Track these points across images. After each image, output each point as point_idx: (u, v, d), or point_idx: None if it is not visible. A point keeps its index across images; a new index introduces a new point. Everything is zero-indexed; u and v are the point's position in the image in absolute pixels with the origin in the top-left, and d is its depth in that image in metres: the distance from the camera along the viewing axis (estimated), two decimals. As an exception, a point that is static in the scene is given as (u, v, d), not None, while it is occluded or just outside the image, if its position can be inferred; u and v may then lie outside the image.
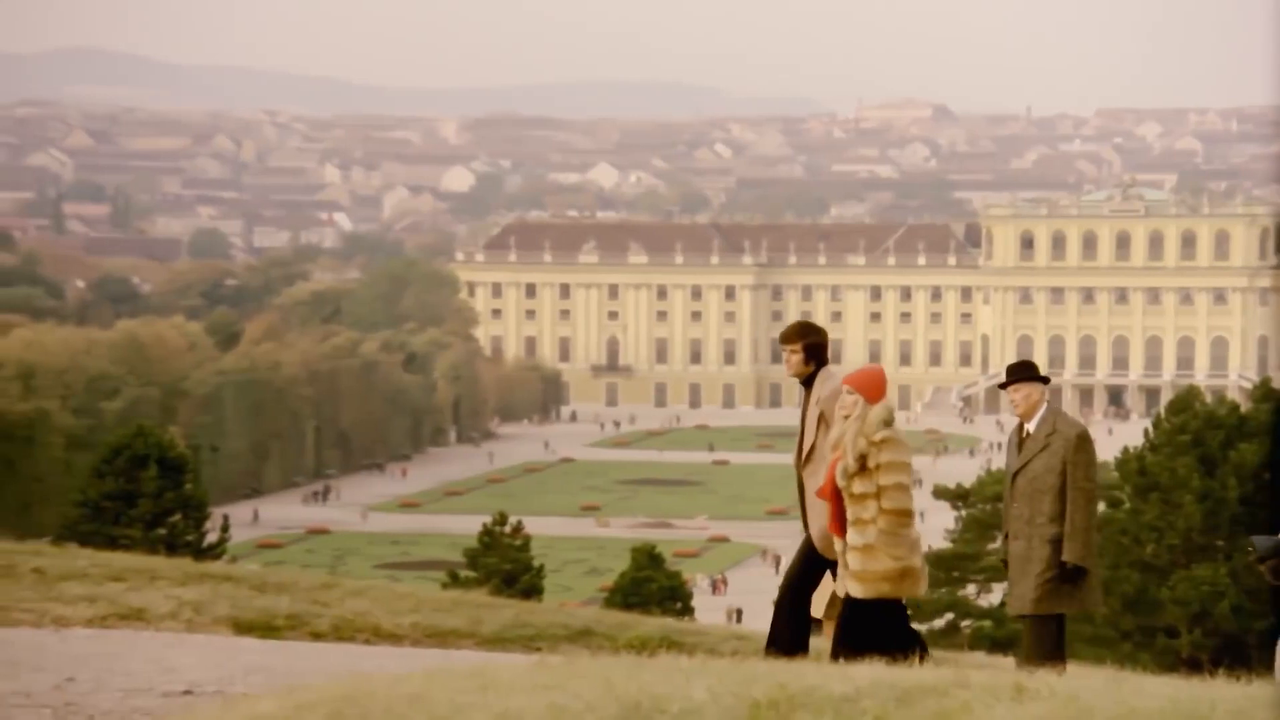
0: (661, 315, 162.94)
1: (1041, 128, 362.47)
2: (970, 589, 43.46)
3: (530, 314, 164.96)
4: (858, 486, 9.30)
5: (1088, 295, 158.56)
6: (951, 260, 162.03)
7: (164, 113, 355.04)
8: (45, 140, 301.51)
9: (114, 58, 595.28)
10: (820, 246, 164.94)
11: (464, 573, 41.08)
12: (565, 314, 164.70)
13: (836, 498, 9.41)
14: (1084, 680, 7.46)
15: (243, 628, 10.95)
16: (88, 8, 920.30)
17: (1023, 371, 10.21)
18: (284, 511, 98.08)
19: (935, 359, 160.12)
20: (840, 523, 9.38)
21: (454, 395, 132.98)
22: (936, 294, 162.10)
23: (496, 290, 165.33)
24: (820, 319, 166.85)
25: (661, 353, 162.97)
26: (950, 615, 42.71)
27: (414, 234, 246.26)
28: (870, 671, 7.08)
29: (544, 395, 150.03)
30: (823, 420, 9.74)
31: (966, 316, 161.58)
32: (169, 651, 9.77)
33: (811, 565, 9.81)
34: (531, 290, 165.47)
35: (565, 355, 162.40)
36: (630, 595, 40.72)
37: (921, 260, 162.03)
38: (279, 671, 8.83)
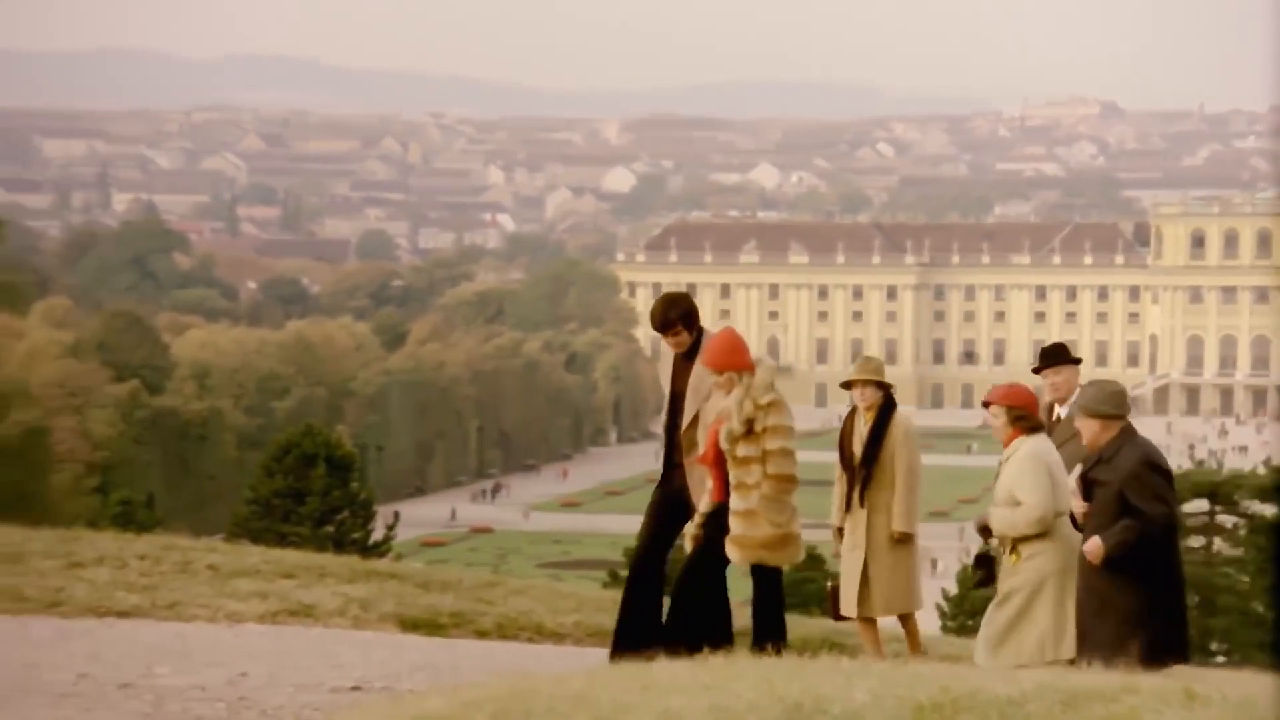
0: (822, 315, 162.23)
1: (1214, 124, 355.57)
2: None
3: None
4: (742, 450, 9.12)
5: (1260, 294, 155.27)
6: (1119, 259, 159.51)
7: (334, 116, 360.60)
8: (220, 145, 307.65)
9: (288, 63, 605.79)
10: (984, 246, 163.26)
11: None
12: (725, 314, 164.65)
13: (718, 465, 9.24)
14: (1258, 685, 7.33)
15: (408, 625, 11.10)
16: (262, 15, 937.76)
17: (1059, 355, 10.02)
18: (446, 510, 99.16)
19: (1101, 359, 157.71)
20: (724, 489, 9.20)
21: (615, 395, 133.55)
22: (1103, 293, 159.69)
23: (657, 291, 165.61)
24: (983, 319, 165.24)
25: (822, 353, 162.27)
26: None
27: (576, 235, 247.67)
28: (1036, 675, 7.02)
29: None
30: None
31: (1134, 316, 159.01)
32: (337, 648, 9.95)
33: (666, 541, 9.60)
34: (691, 290, 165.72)
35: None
36: (790, 596, 40.56)
37: (1088, 259, 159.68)
38: (444, 669, 8.95)
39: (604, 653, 11.19)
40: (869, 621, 10.95)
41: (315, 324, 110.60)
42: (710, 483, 9.32)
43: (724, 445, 9.14)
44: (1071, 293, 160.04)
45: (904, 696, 6.30)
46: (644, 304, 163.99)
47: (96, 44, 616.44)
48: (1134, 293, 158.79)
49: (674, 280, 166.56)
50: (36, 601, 10.80)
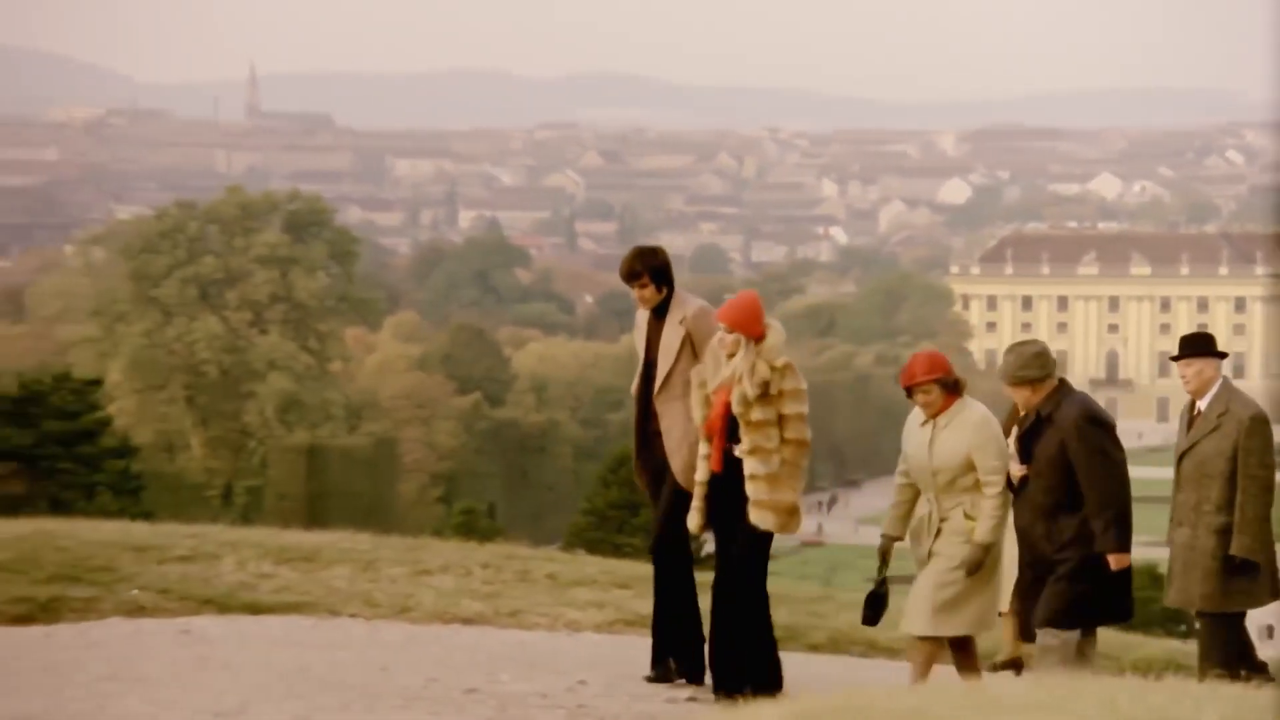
0: (1164, 328, 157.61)
1: None
2: None
3: (1026, 327, 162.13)
4: (757, 414, 8.79)
5: None
6: None
7: (671, 132, 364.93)
8: (561, 162, 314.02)
9: (627, 80, 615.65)
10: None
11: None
12: (1063, 327, 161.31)
13: (721, 435, 8.84)
14: (1187, 692, 6.92)
15: (742, 637, 11.20)
16: (603, 34, 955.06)
17: (1196, 345, 9.47)
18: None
19: None
20: (722, 457, 8.83)
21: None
22: None
23: (991, 303, 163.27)
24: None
25: (1165, 366, 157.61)
26: None
27: (909, 247, 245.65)
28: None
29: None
30: (688, 344, 9.13)
31: None
32: (673, 657, 10.08)
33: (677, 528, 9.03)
34: (1028, 303, 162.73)
35: (1062, 369, 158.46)
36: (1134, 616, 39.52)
37: None
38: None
39: (939, 668, 11.12)
40: (1011, 614, 10.72)
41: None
42: (706, 450, 8.91)
43: (737, 410, 8.80)
44: None
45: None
46: (978, 317, 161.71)
47: (448, 65, 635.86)
48: None
49: (1010, 293, 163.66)
50: (387, 607, 11.24)
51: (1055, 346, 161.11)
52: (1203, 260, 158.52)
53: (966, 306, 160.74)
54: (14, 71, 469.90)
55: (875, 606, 9.19)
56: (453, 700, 8.79)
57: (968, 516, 8.82)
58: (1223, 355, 9.39)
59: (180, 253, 77.99)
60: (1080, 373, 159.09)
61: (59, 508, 31.81)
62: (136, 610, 10.69)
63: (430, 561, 12.40)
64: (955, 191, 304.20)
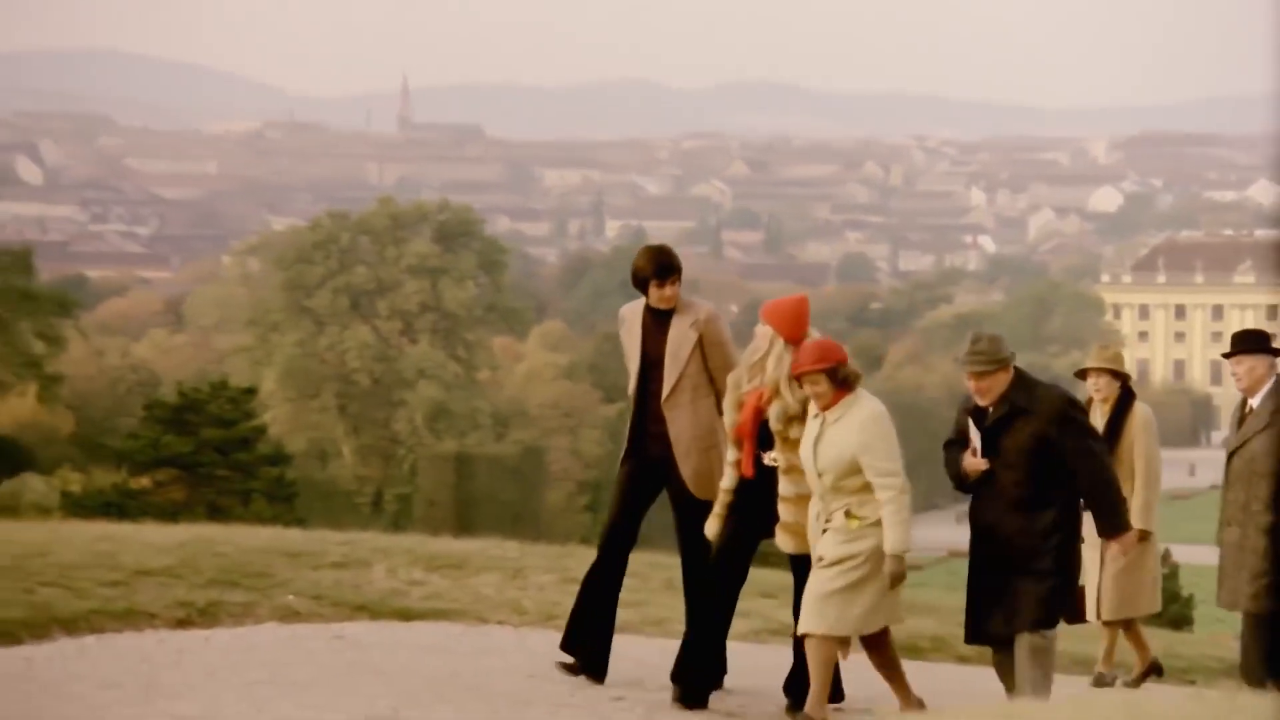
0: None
1: None
2: None
3: (1179, 336, 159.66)
4: (796, 431, 8.37)
5: None
6: None
7: (818, 141, 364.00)
8: (708, 171, 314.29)
9: (774, 88, 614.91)
10: None
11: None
12: (1217, 336, 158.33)
13: (751, 438, 8.45)
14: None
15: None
16: (751, 43, 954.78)
17: (1248, 341, 9.14)
18: (925, 533, 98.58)
19: None
20: (752, 462, 8.45)
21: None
22: None
23: (1143, 312, 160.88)
24: None
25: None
26: None
27: (1059, 256, 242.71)
28: None
29: (1193, 419, 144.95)
30: (699, 348, 8.84)
31: None
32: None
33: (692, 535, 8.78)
34: (1180, 312, 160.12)
35: (1216, 379, 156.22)
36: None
37: None
38: (925, 691, 9.00)
39: (1084, 681, 11.00)
40: (1117, 625, 10.39)
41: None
42: (735, 455, 8.61)
43: (776, 426, 8.46)
44: None
45: None
46: (1129, 326, 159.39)
47: (597, 76, 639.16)
48: None
49: (1163, 301, 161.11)
50: (535, 614, 11.36)
51: (1208, 356, 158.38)
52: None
53: (1118, 316, 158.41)
54: (176, 87, 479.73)
55: None
56: (600, 708, 8.88)
57: (850, 516, 8.31)
58: (1276, 352, 9.17)
59: (333, 263, 79.12)
60: (1234, 383, 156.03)
61: (216, 514, 32.41)
62: (291, 615, 10.90)
63: (577, 569, 12.48)
64: (1107, 199, 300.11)
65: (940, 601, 13.46)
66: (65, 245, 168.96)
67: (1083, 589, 9.46)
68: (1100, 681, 10.90)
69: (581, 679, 9.32)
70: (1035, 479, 8.13)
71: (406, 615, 11.14)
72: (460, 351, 79.07)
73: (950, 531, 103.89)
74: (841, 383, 8.41)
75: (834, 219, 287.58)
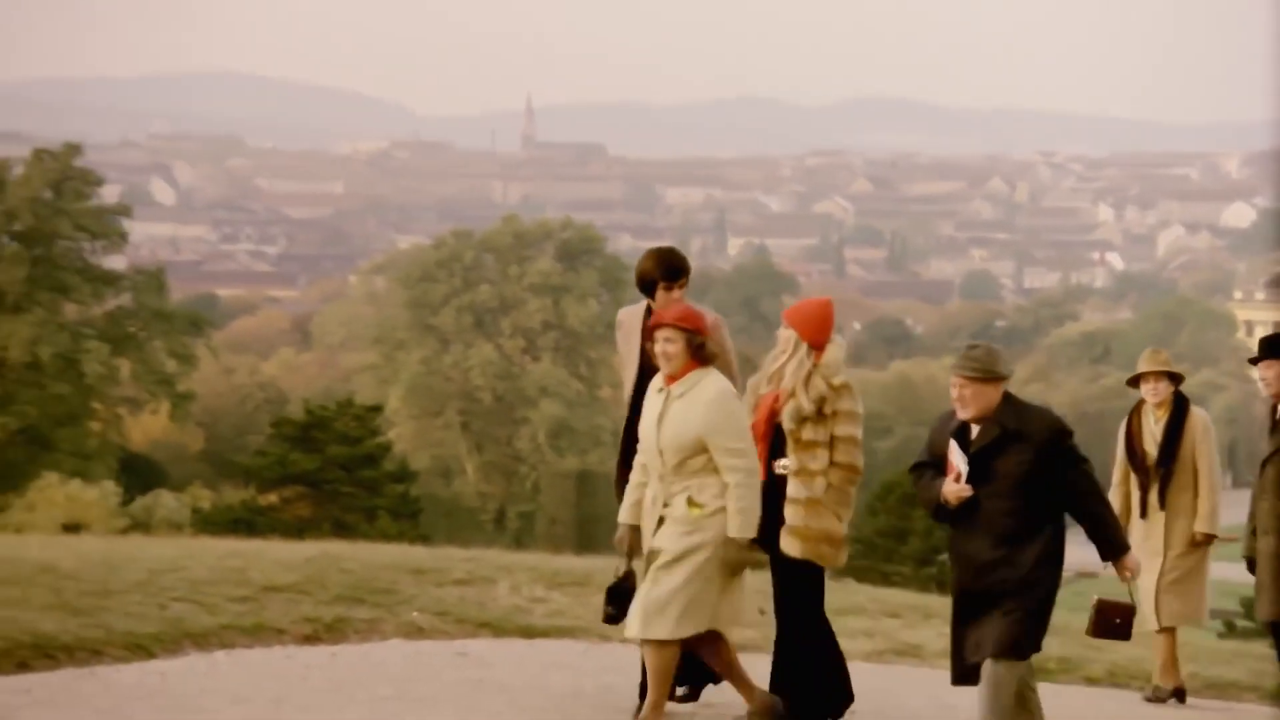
0: None
1: None
2: None
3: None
4: (808, 433, 8.10)
5: None
6: None
7: (942, 157, 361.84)
8: (831, 188, 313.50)
9: (899, 105, 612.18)
10: None
11: (1241, 622, 39.50)
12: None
13: (765, 440, 8.12)
14: None
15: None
16: (874, 60, 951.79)
17: (1276, 347, 8.85)
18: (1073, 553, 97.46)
19: None
20: (766, 466, 8.09)
21: (1229, 438, 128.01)
22: None
23: (1278, 329, 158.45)
24: None
25: None
26: None
27: (1189, 272, 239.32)
28: None
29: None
30: None
31: None
32: (943, 689, 10.01)
33: None
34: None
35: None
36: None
37: None
38: (1055, 715, 8.89)
39: (1223, 706, 10.83)
40: (1168, 633, 10.10)
41: (918, 364, 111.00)
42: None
43: (788, 426, 8.18)
44: None
45: None
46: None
47: (719, 94, 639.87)
48: None
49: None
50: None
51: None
52: None
53: (1250, 333, 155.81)
54: (304, 108, 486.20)
55: (616, 602, 8.23)
56: (722, 727, 8.86)
57: (692, 504, 7.89)
58: None
59: (457, 281, 79.75)
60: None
61: (341, 530, 32.75)
62: (416, 632, 10.98)
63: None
64: (1239, 215, 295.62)
65: (1068, 622, 13.30)
66: (198, 265, 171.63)
67: (1131, 606, 8.95)
68: (1157, 696, 10.57)
69: (703, 698, 9.31)
70: (1026, 509, 7.71)
71: (529, 632, 11.19)
72: (582, 369, 79.36)
73: (1079, 551, 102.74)
74: (696, 352, 8.00)
75: (958, 236, 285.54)
